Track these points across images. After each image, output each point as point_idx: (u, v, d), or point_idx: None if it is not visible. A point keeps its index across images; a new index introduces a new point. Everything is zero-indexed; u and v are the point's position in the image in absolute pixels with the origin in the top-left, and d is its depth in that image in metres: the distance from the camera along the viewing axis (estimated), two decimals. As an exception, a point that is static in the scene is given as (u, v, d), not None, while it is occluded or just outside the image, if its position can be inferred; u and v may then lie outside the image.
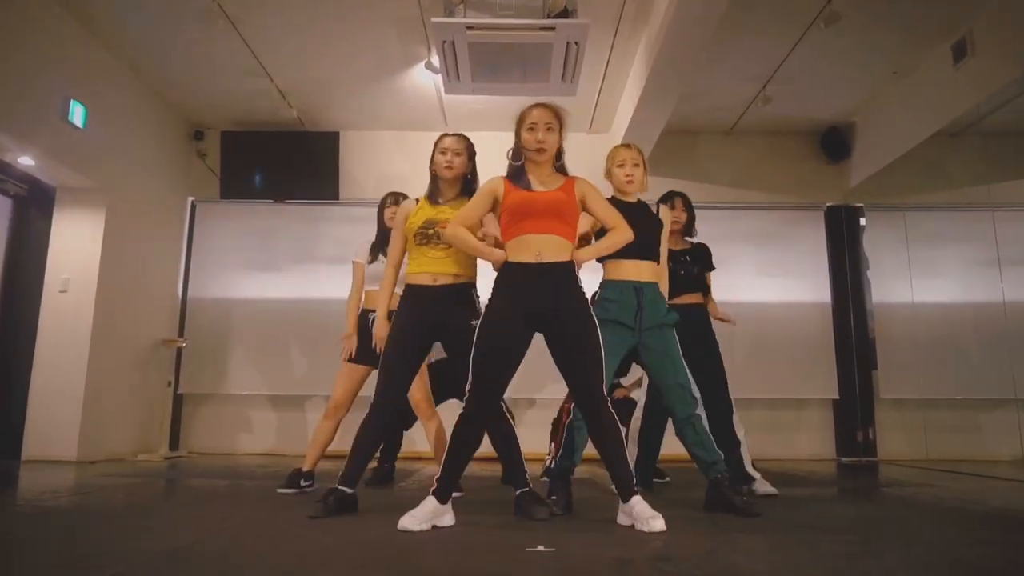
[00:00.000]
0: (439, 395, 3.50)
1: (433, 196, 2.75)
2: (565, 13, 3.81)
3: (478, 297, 2.73)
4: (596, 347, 2.35)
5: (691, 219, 3.46)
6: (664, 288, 2.90)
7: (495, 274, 2.47)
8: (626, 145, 2.92)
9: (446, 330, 2.62)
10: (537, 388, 5.33)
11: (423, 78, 5.13)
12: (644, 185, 2.87)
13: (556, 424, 4.26)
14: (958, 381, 5.41)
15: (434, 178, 2.79)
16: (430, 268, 2.64)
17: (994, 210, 4.62)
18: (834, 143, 5.93)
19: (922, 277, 5.38)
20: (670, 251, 3.38)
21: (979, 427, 5.45)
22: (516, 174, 2.51)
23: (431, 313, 2.61)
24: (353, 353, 3.27)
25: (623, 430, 2.50)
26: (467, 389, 2.35)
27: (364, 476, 3.53)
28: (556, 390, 5.21)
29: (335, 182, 5.86)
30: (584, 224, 2.60)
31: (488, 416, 2.43)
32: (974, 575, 1.74)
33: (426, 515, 2.23)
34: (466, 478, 2.97)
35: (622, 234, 2.52)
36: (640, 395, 3.56)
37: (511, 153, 2.55)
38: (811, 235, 6.00)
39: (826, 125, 5.93)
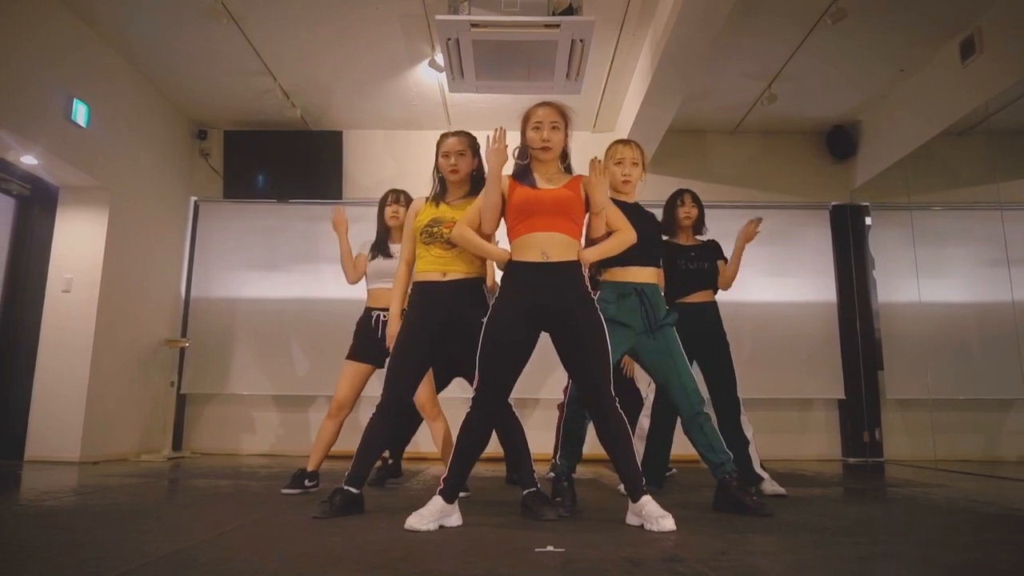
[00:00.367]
0: (439, 383, 3.44)
1: (441, 197, 2.73)
2: (570, 10, 3.79)
3: (492, 294, 2.70)
4: (603, 347, 2.33)
5: (701, 215, 3.43)
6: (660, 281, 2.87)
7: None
8: (626, 142, 2.85)
9: (457, 329, 2.58)
10: (538, 388, 5.30)
11: (427, 76, 5.11)
12: (636, 185, 2.82)
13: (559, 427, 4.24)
14: (965, 381, 5.36)
15: (441, 180, 2.76)
16: (439, 266, 2.62)
17: (1003, 209, 4.58)
18: (840, 142, 5.90)
19: (929, 276, 5.34)
20: (681, 248, 3.36)
21: (987, 427, 5.40)
22: (522, 172, 2.51)
23: (441, 311, 2.59)
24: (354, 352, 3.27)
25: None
26: (474, 388, 2.33)
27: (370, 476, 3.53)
28: (555, 390, 5.20)
29: (338, 182, 5.84)
30: (600, 229, 2.54)
31: (495, 414, 2.41)
32: (992, 576, 1.71)
33: (433, 515, 2.22)
34: (472, 478, 2.95)
35: (626, 236, 2.52)
36: (648, 394, 3.53)
37: (517, 152, 2.54)
38: (816, 234, 5.97)
39: (832, 124, 5.90)
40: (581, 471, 2.83)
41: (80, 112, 4.44)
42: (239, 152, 5.89)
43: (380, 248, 3.45)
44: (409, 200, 3.39)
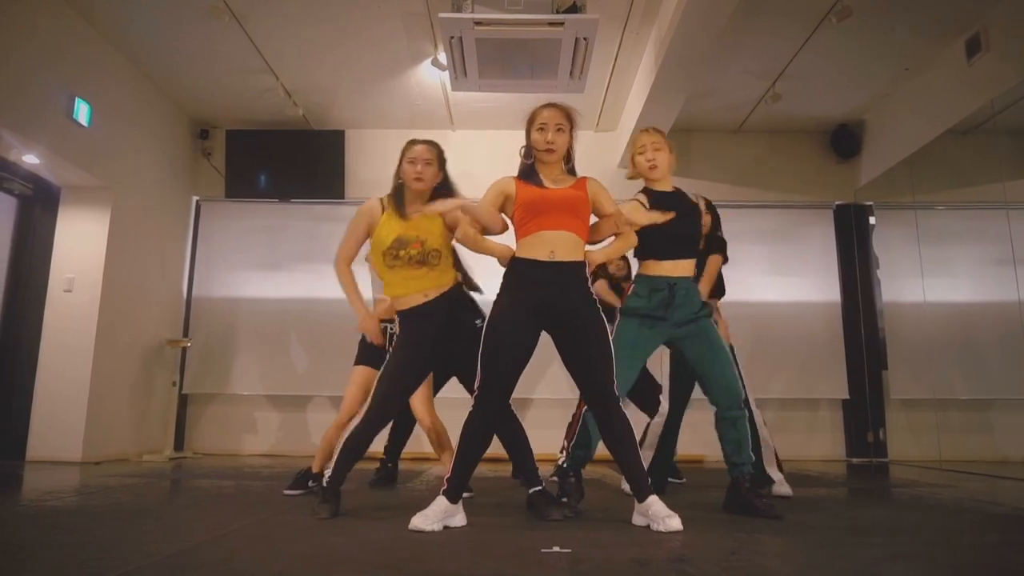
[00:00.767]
0: (436, 384, 3.39)
1: (399, 207, 2.58)
2: (574, 8, 3.77)
3: (473, 293, 2.68)
4: (607, 347, 2.32)
5: (716, 221, 3.32)
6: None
7: (502, 270, 2.43)
8: (645, 130, 2.78)
9: (451, 336, 2.55)
10: (538, 388, 5.28)
11: (430, 75, 5.09)
12: (670, 169, 2.73)
13: (571, 427, 4.20)
14: (970, 381, 5.34)
15: (400, 186, 2.62)
16: (417, 288, 2.54)
17: (1008, 208, 4.56)
18: (844, 141, 5.88)
19: (933, 276, 5.31)
20: None
21: (992, 428, 5.38)
22: (527, 173, 2.51)
23: (432, 329, 2.54)
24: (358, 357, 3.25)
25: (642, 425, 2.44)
26: (476, 387, 2.31)
27: (368, 477, 3.52)
28: (556, 390, 5.19)
29: (340, 181, 5.82)
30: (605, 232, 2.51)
31: (498, 414, 2.39)
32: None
33: (437, 515, 2.20)
34: (475, 478, 2.93)
35: (629, 239, 2.53)
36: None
37: (523, 151, 2.54)
38: (820, 234, 5.95)
39: (836, 123, 5.88)
40: (588, 471, 2.81)
41: (82, 111, 4.42)
42: (241, 151, 5.88)
43: None
44: None
